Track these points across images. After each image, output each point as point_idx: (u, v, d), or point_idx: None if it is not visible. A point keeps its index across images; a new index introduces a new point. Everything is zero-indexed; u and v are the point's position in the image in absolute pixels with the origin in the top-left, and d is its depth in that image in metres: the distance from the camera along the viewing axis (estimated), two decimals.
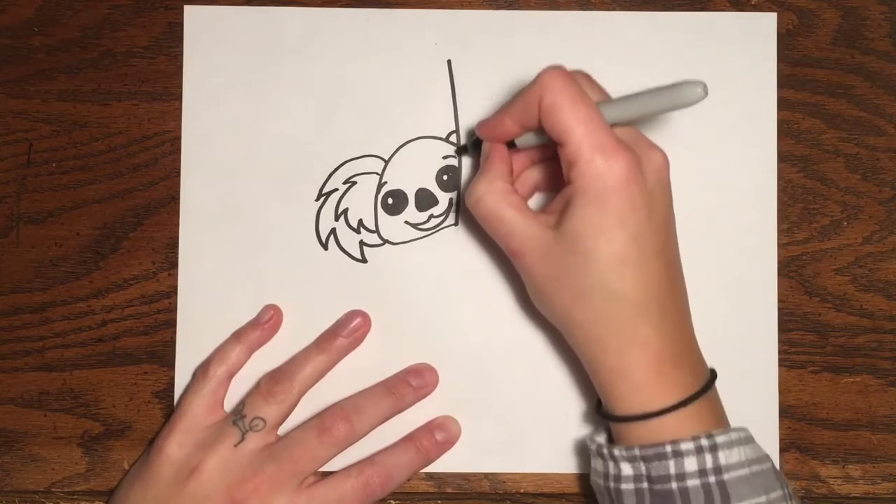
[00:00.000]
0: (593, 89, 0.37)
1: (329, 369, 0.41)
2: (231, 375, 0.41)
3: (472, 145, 0.41)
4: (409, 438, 0.41)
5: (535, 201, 0.42)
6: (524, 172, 0.40)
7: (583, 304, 0.35)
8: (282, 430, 0.40)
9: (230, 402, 0.41)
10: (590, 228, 0.34)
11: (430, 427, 0.41)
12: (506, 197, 0.37)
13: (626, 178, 0.34)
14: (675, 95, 0.34)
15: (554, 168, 0.40)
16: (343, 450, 0.39)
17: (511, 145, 0.38)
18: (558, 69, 0.35)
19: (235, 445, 0.39)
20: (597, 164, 0.34)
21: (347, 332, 0.41)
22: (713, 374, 0.37)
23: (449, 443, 0.41)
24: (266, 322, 0.41)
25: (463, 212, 0.43)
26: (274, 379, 0.40)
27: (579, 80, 0.36)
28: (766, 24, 0.43)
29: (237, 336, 0.41)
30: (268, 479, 0.38)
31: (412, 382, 0.41)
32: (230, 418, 0.40)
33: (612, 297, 0.35)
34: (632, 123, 0.37)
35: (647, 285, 0.35)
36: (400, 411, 0.41)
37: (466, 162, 0.43)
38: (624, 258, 0.34)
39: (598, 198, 0.34)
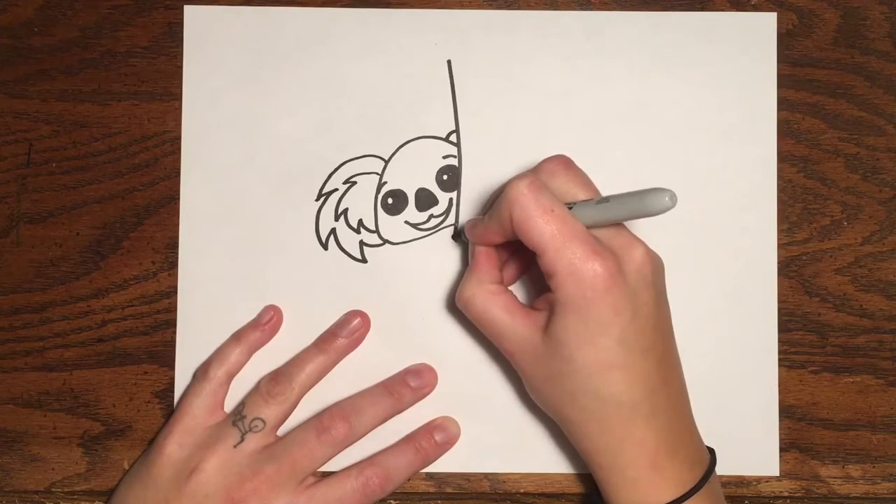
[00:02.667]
0: (568, 179, 0.37)
1: (329, 370, 0.41)
2: (231, 376, 0.41)
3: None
4: (409, 439, 0.41)
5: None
6: (512, 257, 0.40)
7: (574, 405, 0.36)
8: (281, 431, 0.40)
9: (230, 402, 0.41)
10: (573, 337, 0.35)
11: (429, 428, 0.41)
12: (495, 298, 0.38)
13: (605, 285, 0.34)
14: (643, 204, 0.33)
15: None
16: (342, 450, 0.39)
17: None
18: (523, 181, 0.35)
19: (235, 446, 0.39)
20: (574, 276, 0.34)
21: (347, 332, 0.41)
22: (712, 461, 0.37)
23: (448, 444, 0.41)
24: (266, 323, 0.42)
25: (462, 212, 0.43)
26: (274, 380, 0.40)
27: (553, 178, 0.36)
28: (766, 24, 0.43)
29: (237, 337, 0.41)
30: (267, 480, 0.38)
31: (411, 383, 0.41)
32: (230, 419, 0.40)
33: (601, 400, 0.35)
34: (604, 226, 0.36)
35: (637, 385, 0.35)
36: (399, 412, 0.41)
37: (467, 162, 0.43)
38: (610, 363, 0.35)
39: (579, 308, 0.34)
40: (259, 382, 0.40)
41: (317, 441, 0.39)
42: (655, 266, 0.36)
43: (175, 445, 0.39)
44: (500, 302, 0.37)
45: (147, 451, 0.41)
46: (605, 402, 0.35)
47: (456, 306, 0.40)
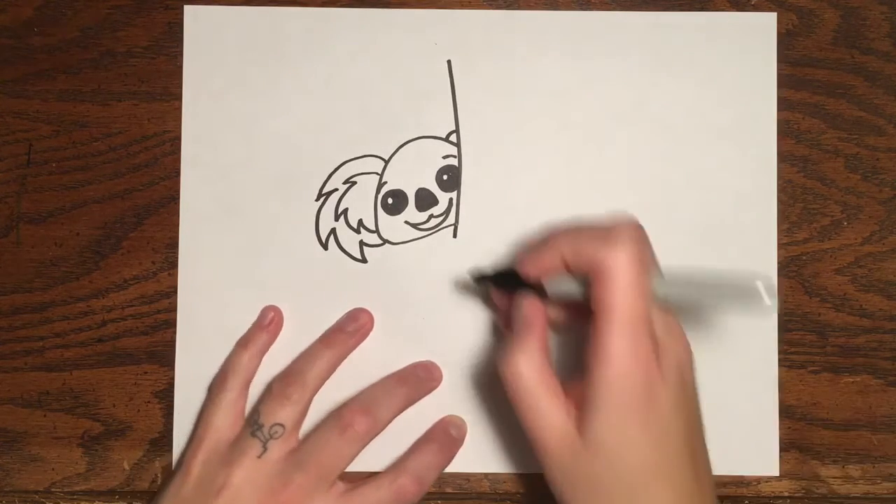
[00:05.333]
0: (650, 261, 0.34)
1: (337, 364, 0.41)
2: (248, 384, 0.40)
3: (495, 280, 0.39)
4: (428, 439, 0.41)
5: None
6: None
7: None
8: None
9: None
10: (614, 438, 0.32)
11: (442, 425, 0.41)
12: (544, 379, 0.34)
13: (644, 380, 0.32)
14: (743, 299, 0.31)
15: (573, 308, 0.37)
16: (366, 444, 0.38)
17: (541, 292, 0.36)
18: (636, 230, 0.33)
19: (259, 457, 0.38)
20: (623, 365, 0.32)
21: (353, 327, 0.41)
22: None
23: (462, 439, 0.41)
24: (269, 323, 0.41)
25: (462, 212, 0.43)
26: (285, 381, 0.39)
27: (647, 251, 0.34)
28: (766, 24, 0.43)
29: (243, 343, 0.41)
30: (298, 489, 0.37)
31: (421, 374, 0.41)
32: (248, 430, 0.38)
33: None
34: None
35: (670, 487, 0.33)
36: (414, 402, 0.41)
37: (467, 162, 0.43)
38: (649, 468, 0.32)
39: (619, 404, 0.32)
40: (270, 386, 0.40)
41: (340, 439, 0.38)
42: (692, 368, 0.35)
43: (200, 464, 0.38)
44: (549, 383, 0.34)
45: (174, 473, 0.40)
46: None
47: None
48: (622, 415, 0.32)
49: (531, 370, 0.34)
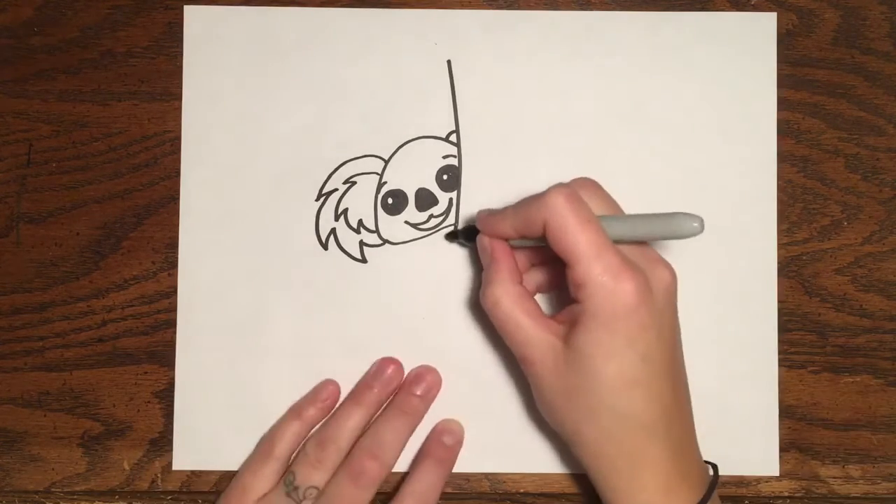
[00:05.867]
0: (597, 199, 0.37)
1: (368, 420, 0.41)
2: (292, 452, 0.41)
3: (464, 234, 0.42)
4: (424, 455, 0.41)
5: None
6: (525, 274, 0.40)
7: (591, 422, 0.36)
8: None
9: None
10: (599, 350, 0.34)
11: (436, 435, 0.41)
12: (521, 302, 0.37)
13: (636, 300, 0.34)
14: (671, 225, 0.34)
15: (554, 270, 0.40)
16: (380, 485, 0.39)
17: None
18: (564, 190, 0.35)
19: None
20: (606, 287, 0.34)
21: (380, 383, 0.41)
22: (714, 478, 0.38)
23: (459, 444, 0.42)
24: (324, 400, 0.41)
25: (462, 212, 0.43)
26: (320, 445, 0.40)
27: (584, 195, 0.36)
28: (766, 24, 0.43)
29: (297, 414, 0.41)
30: None
31: (417, 391, 0.41)
32: (283, 488, 0.39)
33: (621, 417, 0.35)
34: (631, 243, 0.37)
35: (655, 404, 0.35)
36: (418, 424, 0.41)
37: (467, 162, 0.43)
38: (633, 380, 0.34)
39: (607, 321, 0.34)
40: (306, 448, 0.40)
41: (355, 488, 0.39)
42: (676, 287, 0.36)
43: None
44: (527, 307, 0.37)
45: None
46: (624, 420, 0.35)
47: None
48: (610, 328, 0.34)
49: (506, 296, 0.37)
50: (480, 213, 0.39)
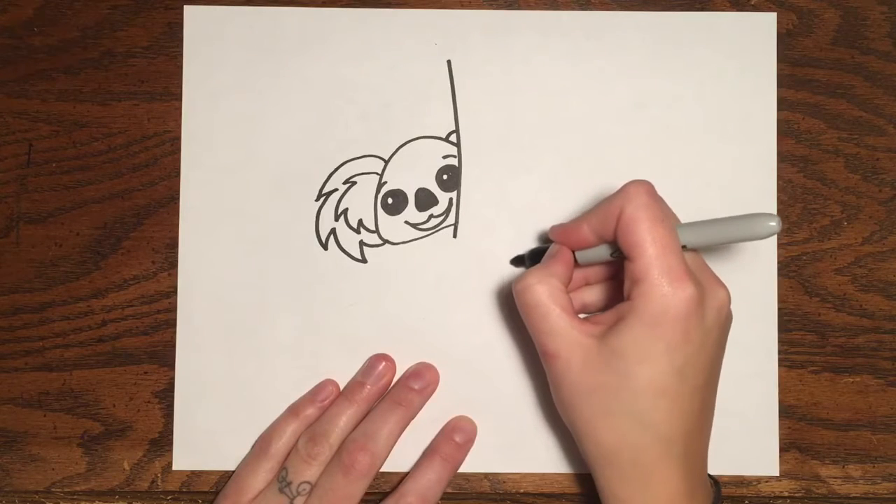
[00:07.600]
0: (668, 211, 0.36)
1: (361, 418, 0.41)
2: (289, 450, 0.41)
3: (530, 256, 0.41)
4: (432, 452, 0.41)
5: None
6: (576, 291, 0.40)
7: (609, 425, 0.35)
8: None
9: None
10: (636, 350, 0.34)
11: (446, 432, 0.41)
12: (556, 294, 0.36)
13: (686, 309, 0.33)
14: (750, 227, 0.33)
15: (607, 292, 0.40)
16: (373, 477, 0.39)
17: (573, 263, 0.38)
18: (645, 183, 0.35)
19: None
20: (662, 287, 0.33)
21: (372, 379, 0.41)
22: (718, 492, 0.37)
23: (470, 442, 0.41)
24: (323, 399, 0.41)
25: (462, 212, 0.43)
26: (312, 441, 0.40)
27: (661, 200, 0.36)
28: (766, 24, 0.43)
29: (294, 412, 0.41)
30: None
31: (414, 386, 0.41)
32: (276, 485, 0.40)
33: (641, 425, 0.34)
34: (701, 250, 0.37)
35: (678, 421, 0.34)
36: (412, 419, 0.41)
37: (467, 162, 0.43)
38: (662, 389, 0.34)
39: (652, 322, 0.33)
40: (298, 445, 0.40)
41: (346, 481, 0.39)
42: (730, 315, 0.36)
43: None
44: (562, 300, 0.36)
45: None
46: (644, 428, 0.34)
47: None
48: (653, 331, 0.33)
49: (541, 284, 0.36)
50: (553, 226, 0.39)
